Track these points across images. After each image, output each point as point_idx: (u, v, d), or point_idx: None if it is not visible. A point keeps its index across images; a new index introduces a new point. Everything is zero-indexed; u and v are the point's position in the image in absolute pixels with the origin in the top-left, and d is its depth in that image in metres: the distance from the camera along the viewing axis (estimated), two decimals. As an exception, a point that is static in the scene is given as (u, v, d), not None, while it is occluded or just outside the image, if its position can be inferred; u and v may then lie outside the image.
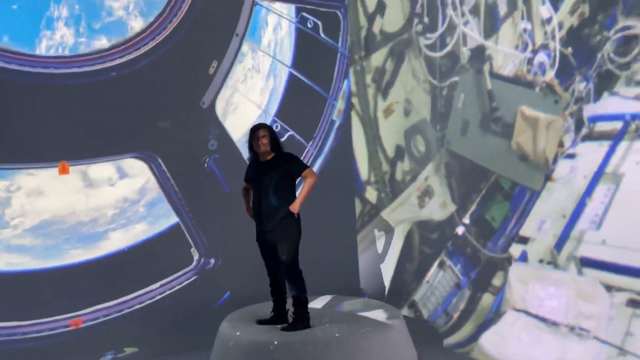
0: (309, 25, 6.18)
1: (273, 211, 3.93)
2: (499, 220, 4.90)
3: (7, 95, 4.53)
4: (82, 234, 4.85)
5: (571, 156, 5.16)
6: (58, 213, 4.76)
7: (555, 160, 4.64)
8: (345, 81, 6.32)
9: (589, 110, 5.59)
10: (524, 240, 4.57)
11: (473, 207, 5.12)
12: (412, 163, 5.95)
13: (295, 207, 3.92)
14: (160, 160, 5.05)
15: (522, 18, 5.52)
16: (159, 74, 5.16)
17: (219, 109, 5.51)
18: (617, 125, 5.10)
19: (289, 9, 5.97)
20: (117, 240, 4.97)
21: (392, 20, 6.22)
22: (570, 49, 6.73)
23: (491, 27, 5.45)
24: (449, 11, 5.18)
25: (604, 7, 7.36)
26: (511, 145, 4.54)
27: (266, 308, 4.38)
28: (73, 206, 4.82)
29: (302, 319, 3.89)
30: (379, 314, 4.28)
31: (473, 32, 5.16)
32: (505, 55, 5.18)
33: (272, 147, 4.02)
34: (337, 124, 6.33)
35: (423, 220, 5.65)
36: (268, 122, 5.56)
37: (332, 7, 6.23)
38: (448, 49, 5.35)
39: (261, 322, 4.10)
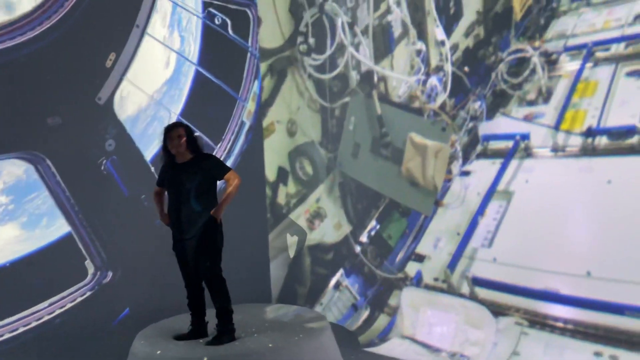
0: (216, 22, 5.82)
1: (195, 217, 3.59)
2: (396, 239, 4.97)
3: None
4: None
5: (466, 173, 5.40)
6: None
7: (444, 186, 4.79)
8: (256, 82, 6.04)
9: (483, 129, 5.91)
10: (420, 259, 4.67)
11: (370, 226, 5.14)
12: (297, 186, 5.90)
13: (218, 213, 3.59)
14: (49, 162, 4.54)
15: (417, 40, 5.63)
16: (49, 64, 4.51)
17: (117, 105, 5.01)
18: (509, 144, 5.41)
19: (196, 3, 5.59)
20: None
21: (269, 36, 6.05)
22: (466, 68, 7.13)
23: (385, 49, 5.45)
24: (339, 32, 5.07)
25: (498, 30, 7.87)
26: (401, 171, 4.57)
27: (180, 322, 3.98)
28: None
29: (228, 331, 3.60)
30: (303, 320, 4.09)
31: (364, 55, 5.12)
32: (396, 79, 5.23)
33: (189, 148, 3.66)
34: (247, 125, 6.00)
35: (314, 244, 5.51)
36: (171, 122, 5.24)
37: (242, 4, 5.92)
38: (338, 71, 5.20)
39: (179, 337, 3.73)
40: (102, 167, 4.83)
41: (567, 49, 6.98)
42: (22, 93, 4.39)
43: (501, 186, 4.95)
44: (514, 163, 5.20)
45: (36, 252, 4.42)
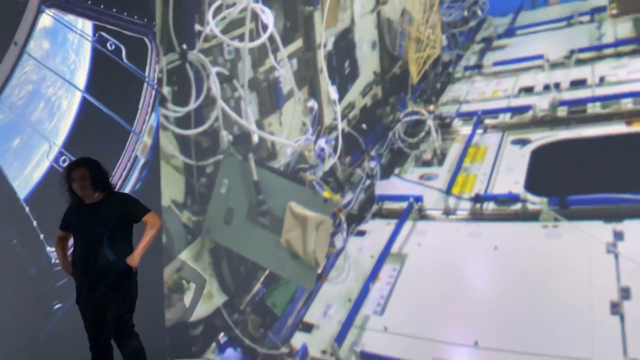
0: (109, 47, 5.34)
1: (108, 266, 3.16)
2: (282, 306, 4.65)
3: None
4: None
5: (361, 233, 5.33)
6: None
7: (328, 260, 4.61)
8: (154, 115, 5.51)
9: (379, 188, 5.95)
10: (308, 328, 4.40)
11: (252, 293, 4.76)
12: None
13: (134, 261, 3.18)
14: None
15: (308, 97, 5.56)
16: None
17: None
18: (403, 205, 5.45)
19: (85, 25, 5.11)
20: None
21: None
22: (364, 126, 7.28)
23: (272, 105, 5.17)
24: (213, 84, 4.58)
25: (396, 91, 8.18)
26: (281, 242, 4.26)
27: None
28: None
29: None
30: None
31: (245, 111, 4.73)
32: (279, 143, 4.96)
33: (97, 188, 3.23)
34: (142, 161, 5.41)
35: (174, 324, 4.74)
36: (53, 154, 4.62)
37: (139, 32, 5.49)
38: (207, 126, 4.57)
39: None
40: None
41: (459, 114, 7.39)
42: None
43: (395, 248, 4.89)
44: (408, 224, 5.20)
45: None
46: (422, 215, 5.29)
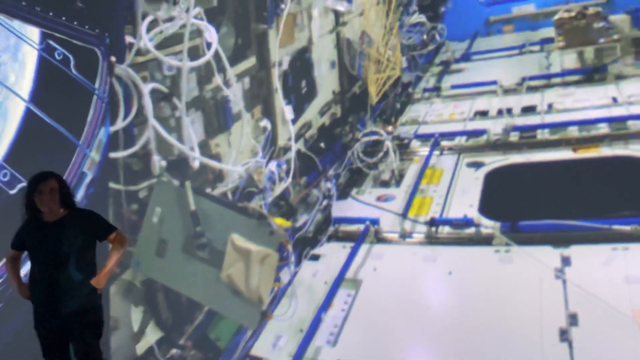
0: (57, 57, 5.06)
1: (74, 288, 2.94)
2: (227, 339, 4.44)
3: None
4: None
5: (315, 257, 5.25)
6: None
7: (274, 297, 4.41)
8: (104, 129, 5.24)
9: (336, 210, 5.91)
10: (255, 363, 4.25)
11: (193, 326, 4.54)
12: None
13: (101, 282, 2.98)
14: None
15: (261, 117, 5.26)
16: None
17: None
18: (360, 227, 5.41)
19: (31, 31, 4.83)
20: None
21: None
22: (322, 144, 7.24)
23: (219, 125, 4.83)
24: (145, 102, 4.25)
25: (355, 110, 8.22)
26: (221, 277, 4.03)
27: None
28: None
29: None
30: None
31: (187, 132, 4.36)
32: (221, 166, 4.71)
33: (65, 203, 3.00)
34: (88, 177, 5.07)
35: None
36: None
37: (90, 42, 5.22)
38: (136, 148, 4.15)
39: None
40: None
41: (417, 136, 7.48)
42: None
43: (350, 273, 4.85)
44: (364, 248, 5.17)
45: None
46: (379, 239, 5.27)
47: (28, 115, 4.70)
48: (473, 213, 5.18)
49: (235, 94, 4.93)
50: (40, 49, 5.07)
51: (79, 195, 5.14)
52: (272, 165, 5.04)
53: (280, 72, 5.72)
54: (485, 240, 4.73)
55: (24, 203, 3.02)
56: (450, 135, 7.23)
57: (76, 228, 3.00)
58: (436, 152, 7.03)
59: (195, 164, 4.32)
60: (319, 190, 6.20)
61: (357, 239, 5.24)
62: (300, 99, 6.42)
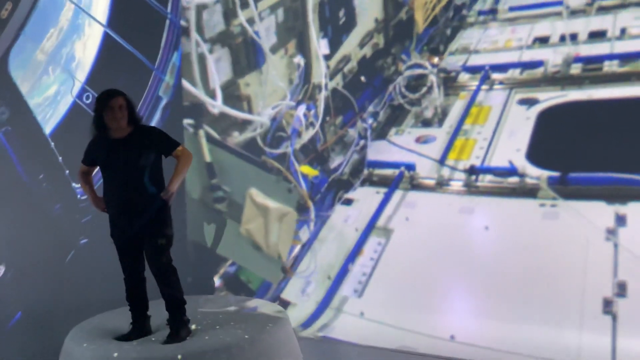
0: None
1: (147, 200, 3.11)
2: (258, 282, 4.39)
3: None
4: None
5: (348, 202, 5.00)
6: None
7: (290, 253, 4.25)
8: (176, 53, 5.19)
9: (371, 152, 5.54)
10: (284, 306, 4.18)
11: (224, 268, 4.48)
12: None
13: (171, 195, 3.13)
14: None
15: (295, 53, 4.98)
16: None
17: (13, 65, 4.20)
18: (395, 172, 5.07)
19: None
20: None
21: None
22: (363, 78, 6.74)
23: (249, 63, 4.64)
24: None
25: (400, 40, 7.55)
26: (240, 231, 3.88)
27: (107, 321, 3.42)
28: None
29: (183, 324, 3.18)
30: (260, 310, 3.60)
31: (211, 71, 4.14)
32: (255, 104, 4.43)
33: (132, 120, 3.15)
34: (164, 101, 5.16)
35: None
36: (76, 90, 4.46)
37: None
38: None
39: (122, 337, 3.21)
40: None
41: (466, 69, 6.79)
42: None
43: (381, 221, 4.57)
44: (397, 194, 4.83)
45: None
46: (414, 185, 4.92)
47: (106, 40, 4.57)
48: (520, 159, 4.68)
49: (269, 28, 4.54)
50: None
51: (156, 118, 5.08)
52: (300, 110, 4.70)
53: (316, 2, 5.22)
54: (530, 192, 4.27)
55: (93, 120, 3.14)
56: (503, 67, 6.50)
57: (144, 144, 3.11)
58: (485, 87, 6.38)
59: (212, 109, 4.06)
60: (356, 130, 5.82)
61: (390, 185, 4.92)
62: (337, 31, 5.89)
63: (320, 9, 5.37)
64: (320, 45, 5.18)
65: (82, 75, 4.66)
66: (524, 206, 4.23)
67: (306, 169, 4.29)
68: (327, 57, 5.31)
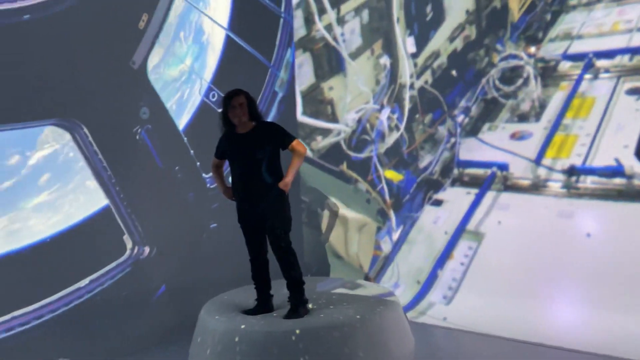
0: None
1: (266, 189, 3.41)
2: None
3: None
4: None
5: (437, 203, 4.85)
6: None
7: (372, 264, 4.17)
8: (289, 50, 5.53)
9: (464, 149, 5.30)
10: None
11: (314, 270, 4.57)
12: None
13: (287, 184, 3.41)
14: (86, 130, 4.20)
15: (382, 53, 4.88)
16: (81, 22, 4.19)
17: (150, 70, 4.68)
18: (486, 172, 4.83)
19: None
20: (37, 229, 3.98)
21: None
22: (454, 72, 6.44)
23: (331, 67, 4.68)
24: None
25: (494, 30, 7.14)
26: (321, 238, 3.90)
27: (236, 297, 3.82)
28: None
29: (302, 303, 3.46)
30: (371, 292, 3.78)
31: (300, 76, 4.18)
32: (338, 107, 4.42)
33: (252, 116, 3.44)
34: (280, 95, 5.50)
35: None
36: (203, 90, 4.87)
37: None
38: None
39: (248, 312, 3.55)
40: (137, 137, 4.56)
41: (566, 57, 6.27)
42: (57, 54, 4.07)
43: (472, 224, 4.40)
44: (489, 196, 4.62)
45: (76, 226, 4.21)
46: (507, 186, 4.66)
47: (228, 42, 5.01)
48: (627, 157, 4.26)
49: (354, 30, 4.53)
50: None
51: (272, 112, 5.46)
52: (385, 113, 4.62)
53: (402, 0, 5.08)
54: (639, 196, 3.89)
55: (220, 117, 3.48)
56: (609, 54, 5.96)
57: (263, 138, 3.40)
58: (588, 76, 5.88)
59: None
60: (445, 128, 5.61)
61: (482, 186, 4.69)
62: (424, 28, 5.70)
63: (406, 7, 5.22)
64: (406, 44, 5.05)
65: (208, 75, 5.05)
66: (632, 211, 3.86)
67: (391, 174, 4.22)
68: (414, 55, 5.16)
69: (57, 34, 4.04)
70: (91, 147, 4.26)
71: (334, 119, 4.45)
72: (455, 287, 4.00)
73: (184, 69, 4.82)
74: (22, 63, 3.89)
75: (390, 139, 4.84)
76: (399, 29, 5.06)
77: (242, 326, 3.33)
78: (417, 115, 5.11)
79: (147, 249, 4.64)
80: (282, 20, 5.38)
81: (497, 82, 6.25)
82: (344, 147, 4.45)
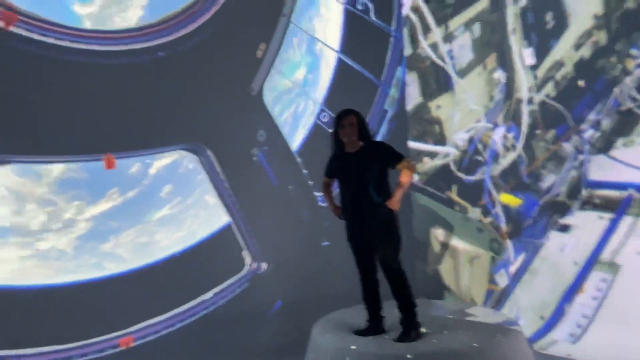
0: (359, 7, 5.49)
1: (375, 208, 3.39)
2: None
3: (43, 74, 3.80)
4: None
5: (564, 228, 4.41)
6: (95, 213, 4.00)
7: (487, 299, 3.81)
8: (399, 67, 5.59)
9: (593, 168, 4.76)
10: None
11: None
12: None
13: (396, 204, 3.34)
14: (210, 153, 4.55)
15: (496, 67, 4.56)
16: (207, 56, 4.58)
17: (267, 95, 5.00)
18: (622, 194, 4.30)
19: None
20: (163, 244, 4.31)
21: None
22: (581, 82, 5.82)
23: (438, 85, 4.48)
24: None
25: (627, 33, 6.41)
26: (428, 270, 3.63)
27: (348, 316, 3.85)
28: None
29: (414, 327, 3.36)
30: (490, 319, 3.63)
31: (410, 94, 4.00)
32: (447, 126, 4.16)
33: (361, 137, 3.47)
34: (390, 114, 5.59)
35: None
36: (316, 111, 5.12)
37: None
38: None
39: (358, 332, 3.52)
40: (254, 158, 4.83)
41: None
42: (184, 85, 4.55)
43: (606, 254, 3.93)
44: (626, 222, 4.14)
45: (201, 242, 4.55)
46: (648, 211, 4.13)
47: (339, 64, 5.23)
48: None
49: (464, 45, 4.34)
50: (345, 3, 5.56)
51: (382, 130, 5.52)
52: (498, 132, 4.32)
53: (517, 10, 4.78)
54: None
55: (331, 137, 3.54)
56: None
57: (372, 157, 3.39)
58: None
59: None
60: (571, 144, 5.11)
61: (617, 210, 4.18)
62: (544, 37, 5.27)
63: (523, 16, 4.88)
64: (524, 56, 4.72)
65: (319, 94, 5.24)
66: None
67: (507, 198, 3.90)
68: (534, 67, 4.80)
69: (185, 68, 4.40)
70: (214, 168, 4.53)
71: (442, 138, 4.26)
72: (585, 324, 3.57)
73: (298, 79, 5.02)
74: (156, 95, 4.27)
75: (506, 160, 4.51)
76: (514, 41, 4.74)
77: (353, 347, 3.27)
78: (537, 132, 4.74)
79: (264, 265, 4.80)
80: (392, 39, 5.39)
81: (632, 92, 5.59)
82: (454, 168, 4.23)
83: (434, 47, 4.32)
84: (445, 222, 3.63)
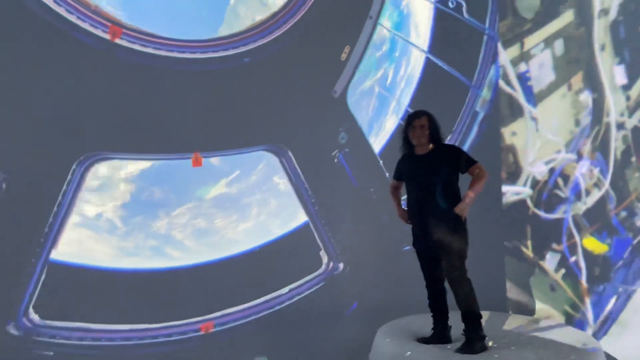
0: (450, 6, 5.38)
1: (440, 214, 3.27)
2: None
3: (143, 80, 4.11)
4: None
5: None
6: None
7: None
8: (493, 66, 5.44)
9: None
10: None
11: None
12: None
13: (464, 210, 3.24)
14: (291, 154, 4.62)
15: (583, 88, 4.24)
16: (291, 60, 4.67)
17: (350, 98, 5.03)
18: None
19: None
20: (247, 239, 4.43)
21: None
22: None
23: (513, 111, 4.20)
24: None
25: None
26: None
27: (416, 323, 3.77)
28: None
29: (479, 339, 3.22)
30: (566, 337, 3.40)
31: None
32: (522, 158, 3.86)
33: (431, 139, 3.39)
34: (481, 115, 5.39)
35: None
36: (401, 113, 5.11)
37: None
38: None
39: (422, 340, 3.45)
40: (335, 160, 4.83)
41: None
42: (269, 89, 4.72)
43: None
44: None
45: (279, 238, 4.64)
46: None
47: (427, 64, 5.15)
48: None
49: (544, 64, 4.19)
50: (435, 2, 5.59)
51: (473, 133, 5.39)
52: (583, 166, 4.05)
53: (607, 24, 4.60)
54: None
55: (401, 137, 3.48)
56: None
57: (441, 161, 3.28)
58: None
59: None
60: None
61: None
62: (639, 53, 5.04)
63: (613, 31, 4.69)
64: (615, 74, 4.50)
65: (406, 98, 5.15)
66: None
67: (591, 243, 3.63)
68: (626, 87, 4.56)
69: (270, 72, 4.55)
70: (295, 170, 4.60)
71: (516, 169, 4.00)
72: None
73: (383, 81, 5.02)
74: (243, 99, 4.45)
75: (592, 199, 4.08)
76: (602, 58, 4.55)
77: (408, 353, 3.18)
78: (632, 159, 4.26)
79: (341, 265, 4.78)
80: (485, 37, 5.27)
81: None
82: (530, 204, 3.92)
83: (503, 70, 4.15)
84: (513, 277, 3.44)
